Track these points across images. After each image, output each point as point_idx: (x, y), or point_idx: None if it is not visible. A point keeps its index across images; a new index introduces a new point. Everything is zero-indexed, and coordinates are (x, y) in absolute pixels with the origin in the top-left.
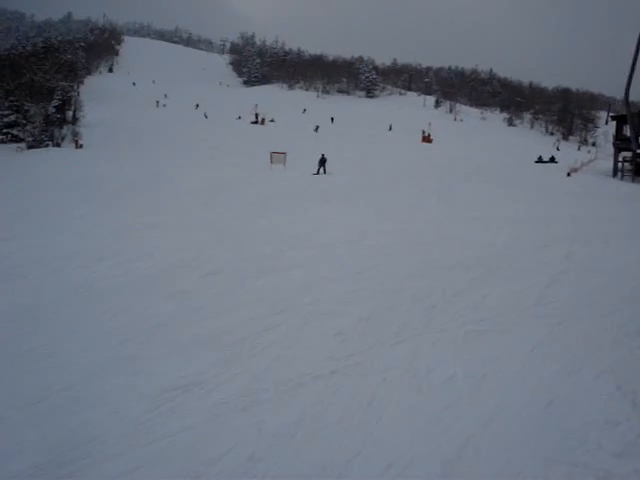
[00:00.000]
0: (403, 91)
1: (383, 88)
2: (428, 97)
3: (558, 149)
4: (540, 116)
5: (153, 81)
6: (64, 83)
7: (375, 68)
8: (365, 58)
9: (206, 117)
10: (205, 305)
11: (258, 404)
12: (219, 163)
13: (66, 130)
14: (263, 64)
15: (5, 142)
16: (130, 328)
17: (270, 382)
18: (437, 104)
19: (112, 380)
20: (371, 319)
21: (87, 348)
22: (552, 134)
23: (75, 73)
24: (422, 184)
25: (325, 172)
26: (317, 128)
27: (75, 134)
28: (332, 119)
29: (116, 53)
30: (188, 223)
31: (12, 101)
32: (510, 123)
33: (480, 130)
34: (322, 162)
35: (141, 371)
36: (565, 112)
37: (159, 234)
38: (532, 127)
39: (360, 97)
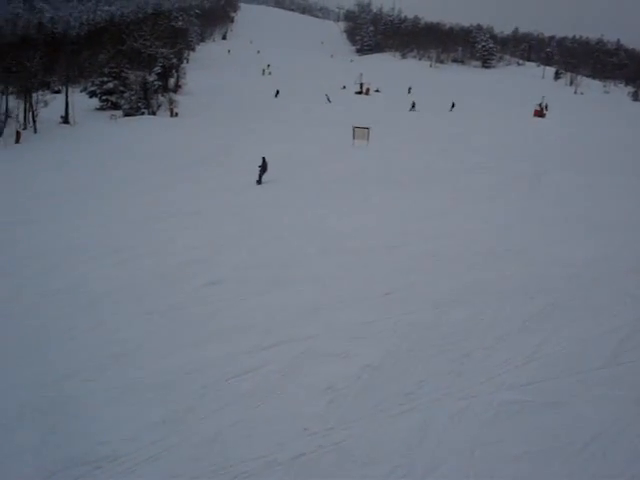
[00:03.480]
0: (521, 61)
1: (500, 58)
2: (548, 68)
3: None
4: None
5: (258, 51)
6: (164, 50)
7: (493, 37)
8: (484, 26)
9: (276, 94)
10: (185, 329)
11: None
12: (303, 136)
13: (163, 98)
14: (377, 32)
15: (104, 109)
16: (83, 357)
17: (205, 467)
18: (557, 76)
19: (15, 443)
20: (380, 368)
21: (19, 386)
22: None
23: (176, 41)
24: (515, 168)
25: (260, 181)
26: (413, 105)
27: (171, 102)
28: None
29: (231, 20)
30: (227, 210)
31: (112, 67)
32: (636, 98)
33: (601, 105)
34: (263, 168)
35: (56, 429)
36: None
37: (185, 224)
38: None
39: (475, 67)
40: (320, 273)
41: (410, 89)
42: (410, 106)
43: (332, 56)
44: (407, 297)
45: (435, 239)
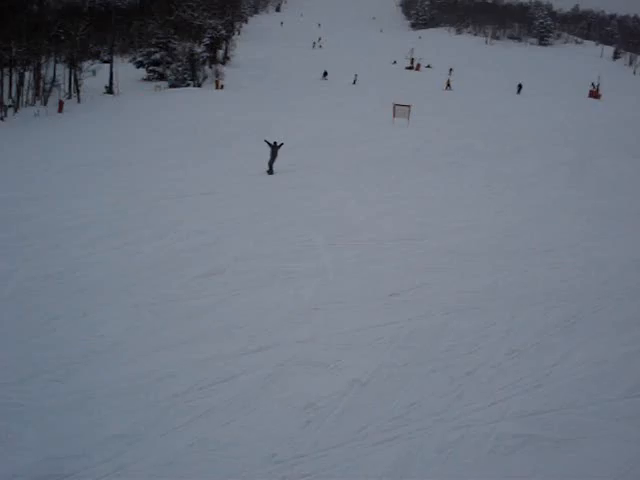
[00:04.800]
0: (580, 39)
1: (558, 36)
2: (607, 47)
3: None
4: None
5: (319, 24)
6: (212, 21)
7: (552, 14)
8: (543, 2)
9: (324, 75)
10: (169, 326)
11: None
12: (344, 112)
13: (210, 70)
14: (433, 6)
15: (151, 80)
16: (56, 353)
17: None
18: (616, 55)
19: None
20: (369, 384)
21: None
22: None
23: (224, 11)
24: (559, 153)
25: (271, 171)
26: (448, 84)
27: (217, 74)
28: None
29: None
30: (244, 192)
31: (159, 38)
32: None
33: None
34: (273, 153)
35: (2, 437)
36: None
37: (196, 206)
38: None
39: (532, 44)
40: (325, 267)
41: (451, 70)
42: (445, 85)
43: (381, 31)
44: (415, 299)
45: (458, 232)
